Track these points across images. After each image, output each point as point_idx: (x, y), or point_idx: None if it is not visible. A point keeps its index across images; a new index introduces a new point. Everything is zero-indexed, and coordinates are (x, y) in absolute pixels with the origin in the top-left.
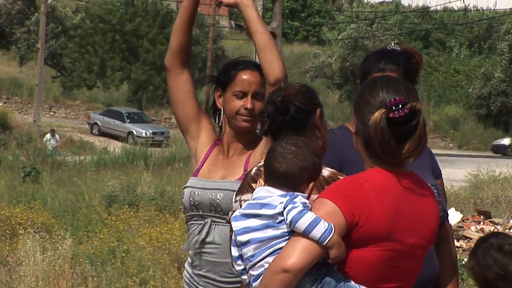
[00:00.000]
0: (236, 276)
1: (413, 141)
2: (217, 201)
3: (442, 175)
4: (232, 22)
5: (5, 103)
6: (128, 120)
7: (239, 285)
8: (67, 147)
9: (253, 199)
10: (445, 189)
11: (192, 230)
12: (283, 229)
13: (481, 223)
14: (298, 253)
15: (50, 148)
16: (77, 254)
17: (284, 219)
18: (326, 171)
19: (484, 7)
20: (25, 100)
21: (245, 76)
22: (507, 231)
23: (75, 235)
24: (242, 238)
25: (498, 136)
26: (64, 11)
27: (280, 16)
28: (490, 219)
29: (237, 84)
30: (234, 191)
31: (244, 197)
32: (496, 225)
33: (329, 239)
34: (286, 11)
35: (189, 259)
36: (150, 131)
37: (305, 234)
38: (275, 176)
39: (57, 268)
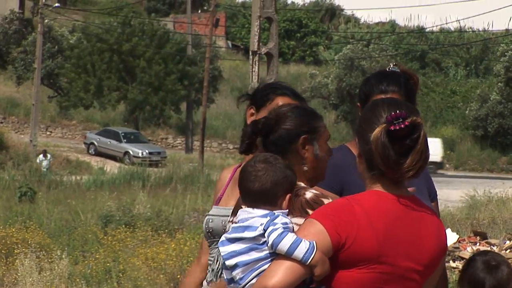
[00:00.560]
0: None
1: (414, 155)
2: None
3: (438, 196)
4: (229, 42)
5: (1, 122)
6: (125, 140)
7: None
8: (64, 167)
9: (237, 222)
10: (441, 209)
11: (211, 253)
12: (267, 250)
13: (477, 244)
14: (280, 273)
15: (43, 170)
16: (73, 274)
17: (266, 241)
18: (309, 194)
19: (480, 28)
20: (22, 119)
21: (282, 102)
22: (503, 252)
23: (71, 255)
24: (230, 262)
25: (494, 157)
26: (61, 31)
27: (276, 36)
28: (486, 240)
29: (273, 108)
30: None
31: (235, 218)
32: (492, 246)
33: (312, 258)
34: (282, 31)
35: (207, 280)
36: (147, 151)
37: (288, 255)
38: (250, 195)
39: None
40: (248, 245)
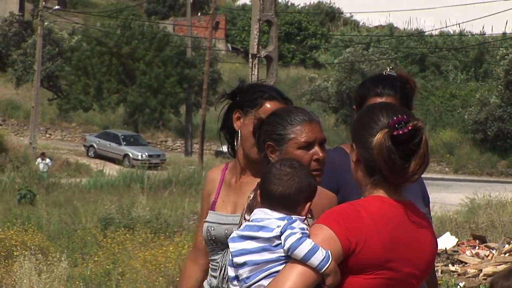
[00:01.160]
0: None
1: (418, 159)
2: None
3: (438, 199)
4: (229, 45)
5: (1, 125)
6: (124, 143)
7: None
8: (63, 170)
9: (251, 221)
10: (441, 212)
11: (214, 259)
12: (279, 253)
13: (476, 247)
14: (294, 279)
15: (41, 173)
16: (73, 277)
17: (280, 243)
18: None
19: (479, 32)
20: (21, 122)
21: (270, 106)
22: (502, 255)
23: (70, 257)
24: (238, 260)
25: (494, 161)
26: (60, 33)
27: (276, 39)
28: (485, 244)
29: (261, 113)
30: None
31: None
32: (491, 250)
33: (327, 267)
34: (282, 33)
35: (208, 280)
36: (146, 153)
37: (303, 261)
38: (271, 198)
39: None
40: (261, 245)
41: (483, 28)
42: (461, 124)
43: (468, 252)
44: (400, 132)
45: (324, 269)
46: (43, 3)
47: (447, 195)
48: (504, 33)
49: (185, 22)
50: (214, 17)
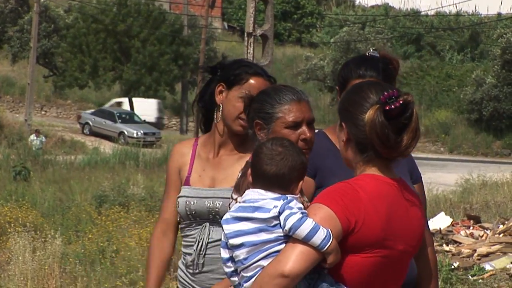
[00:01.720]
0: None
1: (410, 132)
2: (216, 209)
3: (432, 179)
4: (225, 23)
5: None
6: (119, 120)
7: None
8: (58, 147)
9: (244, 202)
10: (436, 192)
11: (190, 234)
12: (277, 233)
13: (471, 227)
14: (296, 259)
15: (34, 149)
16: (67, 254)
17: (278, 223)
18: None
19: (474, 12)
20: (17, 99)
21: (255, 82)
22: (496, 236)
23: (64, 234)
24: (234, 241)
25: (489, 141)
26: (57, 10)
27: (272, 18)
28: (479, 224)
29: (245, 88)
30: None
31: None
32: (485, 230)
33: (328, 246)
34: (279, 12)
35: (182, 259)
36: (141, 131)
37: (305, 240)
38: (264, 178)
39: (46, 267)
40: (257, 225)
41: (475, 8)
42: (457, 104)
43: (462, 232)
44: (392, 106)
45: (325, 248)
46: None
47: (442, 175)
48: (499, 13)
49: (181, 0)
50: None
